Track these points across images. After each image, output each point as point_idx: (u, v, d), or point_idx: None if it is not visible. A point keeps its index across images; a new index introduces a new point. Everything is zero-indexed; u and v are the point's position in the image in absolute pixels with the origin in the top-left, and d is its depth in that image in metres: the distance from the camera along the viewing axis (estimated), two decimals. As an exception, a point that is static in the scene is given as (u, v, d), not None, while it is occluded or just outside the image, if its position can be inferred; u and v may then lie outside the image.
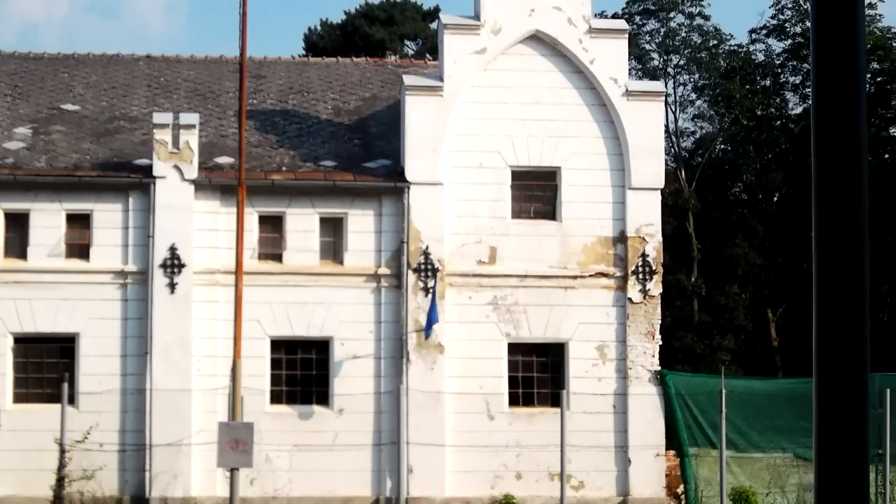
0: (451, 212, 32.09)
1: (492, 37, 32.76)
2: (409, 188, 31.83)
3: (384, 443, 31.31)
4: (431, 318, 31.33)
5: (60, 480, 29.00)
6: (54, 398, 29.65)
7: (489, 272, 32.13)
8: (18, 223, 31.26)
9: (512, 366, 32.10)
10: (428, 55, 52.11)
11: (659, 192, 33.00)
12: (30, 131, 32.84)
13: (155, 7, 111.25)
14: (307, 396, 31.64)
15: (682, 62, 60.48)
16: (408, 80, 32.81)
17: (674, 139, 59.58)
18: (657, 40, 60.43)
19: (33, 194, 31.13)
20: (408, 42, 62.30)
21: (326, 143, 33.67)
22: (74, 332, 30.87)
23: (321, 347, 31.65)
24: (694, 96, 61.04)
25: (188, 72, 36.12)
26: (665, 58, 60.51)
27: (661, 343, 32.70)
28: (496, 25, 32.77)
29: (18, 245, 31.16)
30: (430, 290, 31.54)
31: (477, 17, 32.97)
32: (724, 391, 29.59)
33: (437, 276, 31.65)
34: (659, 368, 32.39)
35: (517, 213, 32.55)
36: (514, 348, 32.18)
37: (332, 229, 31.95)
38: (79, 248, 31.18)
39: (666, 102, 48.42)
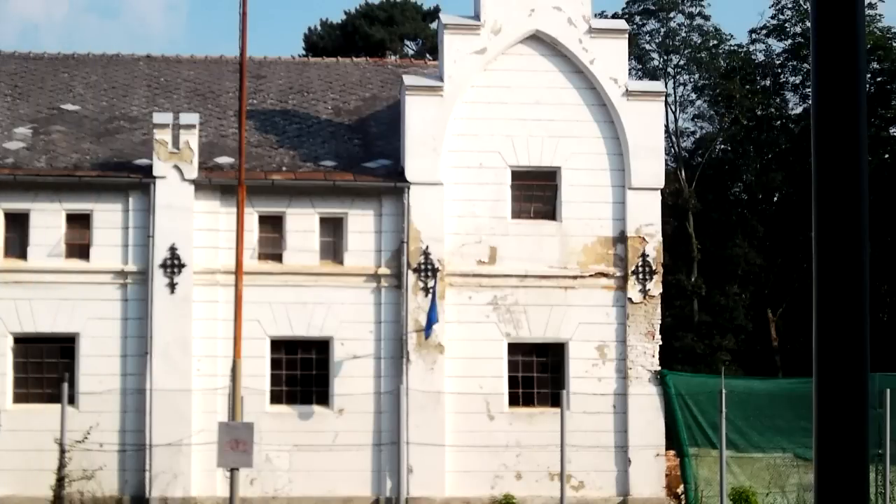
0: (451, 212, 32.07)
1: (492, 37, 32.74)
2: (409, 188, 31.81)
3: (384, 443, 31.29)
4: (431, 318, 31.29)
5: (60, 480, 28.98)
6: (54, 398, 29.63)
7: (489, 272, 32.10)
8: (18, 223, 31.25)
9: (512, 366, 32.07)
10: (428, 55, 52.06)
11: (659, 192, 33.00)
12: (30, 131, 32.82)
13: (155, 7, 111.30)
14: (307, 396, 31.62)
15: (682, 62, 60.48)
16: (408, 80, 32.79)
17: (674, 139, 59.58)
18: (657, 40, 60.44)
19: (33, 194, 31.12)
20: (408, 42, 62.26)
21: (326, 143, 33.65)
22: (74, 332, 30.85)
23: (321, 347, 31.62)
24: (694, 96, 61.06)
25: (188, 72, 36.10)
26: (665, 58, 60.51)
27: (661, 343, 32.69)
28: (496, 25, 32.75)
29: (18, 245, 31.15)
30: (430, 290, 31.51)
31: (477, 17, 32.95)
32: (724, 391, 29.59)
33: (437, 276, 31.62)
34: (659, 368, 32.37)
35: (517, 213, 32.53)
36: (514, 348, 32.14)
37: (332, 229, 31.93)
38: (79, 248, 31.17)
39: (666, 102, 48.41)
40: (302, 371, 31.65)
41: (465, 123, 32.42)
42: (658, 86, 36.49)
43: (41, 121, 33.34)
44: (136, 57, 36.78)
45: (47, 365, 30.94)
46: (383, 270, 31.74)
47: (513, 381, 32.04)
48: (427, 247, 31.76)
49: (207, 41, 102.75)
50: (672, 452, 32.55)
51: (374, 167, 32.54)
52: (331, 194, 31.84)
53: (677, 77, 60.79)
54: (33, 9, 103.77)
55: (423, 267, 31.68)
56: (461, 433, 31.36)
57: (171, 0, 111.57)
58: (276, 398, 31.49)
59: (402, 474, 31.07)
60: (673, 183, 53.99)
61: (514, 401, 31.97)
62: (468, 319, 31.89)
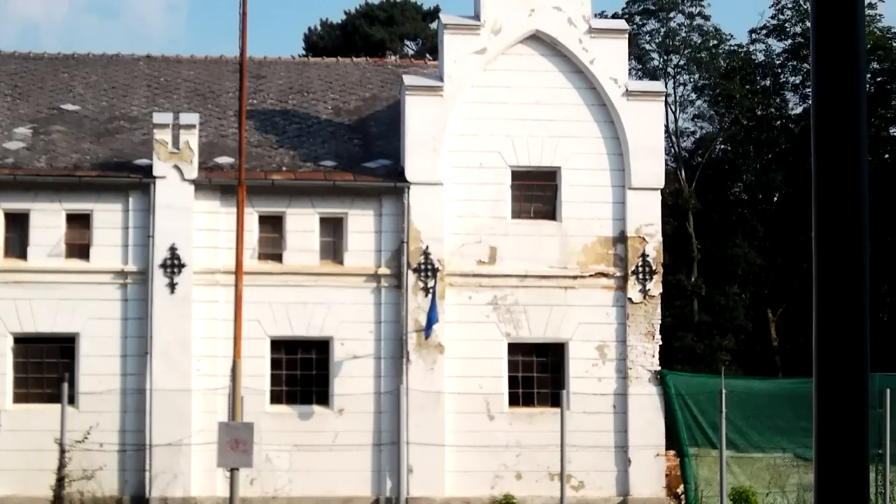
0: (451, 212, 32.04)
1: (492, 37, 32.69)
2: (409, 188, 31.77)
3: (384, 443, 31.28)
4: (431, 318, 31.25)
5: (60, 480, 28.97)
6: (54, 398, 29.63)
7: (489, 272, 32.06)
8: (18, 223, 31.25)
9: (512, 366, 32.04)
10: (428, 55, 52.04)
11: (659, 192, 32.98)
12: (30, 131, 32.83)
13: (155, 7, 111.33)
14: (307, 396, 31.60)
15: (682, 62, 60.48)
16: (408, 80, 32.74)
17: (674, 139, 59.57)
18: (657, 40, 60.44)
19: (33, 194, 31.11)
20: (408, 42, 62.24)
21: (326, 143, 33.65)
22: (74, 332, 30.84)
23: (321, 347, 31.61)
24: (694, 96, 61.06)
25: (188, 72, 36.09)
26: (665, 58, 60.51)
27: (661, 343, 32.66)
28: (496, 25, 32.70)
29: (18, 245, 31.14)
30: (430, 290, 31.48)
31: (477, 17, 32.90)
32: (724, 391, 29.59)
33: (437, 276, 31.59)
34: (659, 368, 32.33)
35: (517, 213, 32.50)
36: (514, 348, 32.11)
37: (332, 229, 31.91)
38: (79, 248, 31.16)
39: (666, 102, 48.38)
40: (302, 371, 31.64)
41: (465, 123, 32.38)
42: (658, 86, 36.48)
43: (41, 121, 33.34)
44: (136, 57, 36.77)
45: (47, 365, 30.93)
46: (383, 270, 31.70)
47: (513, 381, 32.00)
48: (427, 247, 31.72)
49: (207, 41, 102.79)
50: (672, 452, 32.53)
51: (374, 167, 32.52)
52: (331, 194, 31.81)
53: (677, 77, 60.83)
54: (33, 9, 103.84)
55: (423, 267, 31.63)
56: (461, 433, 31.33)
57: (171, 0, 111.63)
58: (276, 398, 31.47)
59: (402, 474, 31.06)
60: (673, 183, 54.00)
61: (514, 401, 31.94)
62: (468, 319, 31.85)
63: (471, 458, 31.31)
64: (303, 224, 31.68)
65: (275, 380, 31.51)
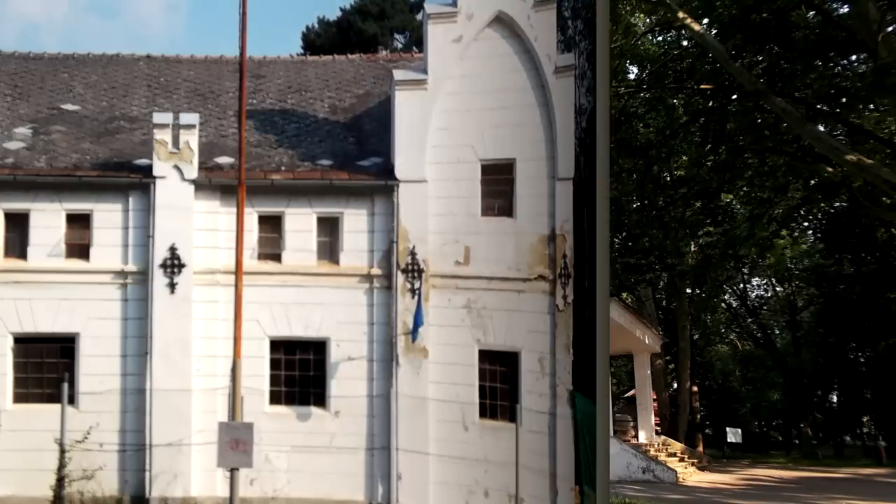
0: (433, 210, 31.35)
1: (466, 23, 31.63)
2: (398, 186, 31.46)
3: (376, 447, 31.71)
4: (417, 320, 31.06)
5: (60, 480, 29.19)
6: (54, 398, 29.70)
7: (464, 273, 31.14)
8: (18, 223, 30.81)
9: (482, 374, 30.84)
10: (415, 47, 51.54)
11: (570, 182, 30.11)
12: (30, 131, 32.30)
13: (155, 7, 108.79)
14: (305, 397, 31.84)
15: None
16: (397, 74, 31.83)
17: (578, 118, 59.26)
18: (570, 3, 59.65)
19: (33, 194, 30.68)
20: (397, 35, 61.47)
21: (323, 141, 33.65)
22: (74, 332, 30.69)
23: (318, 348, 31.83)
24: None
25: (188, 72, 35.60)
26: (575, 24, 59.70)
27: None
28: (469, 10, 31.66)
29: (18, 245, 30.80)
30: (416, 292, 31.36)
31: (454, 2, 31.64)
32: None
33: (422, 278, 31.36)
34: (572, 388, 29.76)
35: (485, 210, 31.12)
36: (483, 355, 30.84)
37: (329, 229, 31.88)
38: (79, 248, 30.97)
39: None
40: (300, 372, 31.89)
41: (446, 116, 31.46)
42: (570, 59, 31.51)
43: (41, 121, 32.78)
44: (136, 57, 36.00)
45: (47, 365, 30.82)
46: (375, 271, 31.72)
47: (482, 391, 30.61)
48: (413, 247, 31.40)
49: (207, 41, 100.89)
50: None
51: (368, 165, 32.48)
52: (327, 194, 31.76)
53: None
54: (33, 9, 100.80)
55: (410, 267, 31.46)
56: (443, 442, 30.77)
57: (171, 0, 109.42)
58: (275, 399, 31.69)
59: (392, 480, 31.39)
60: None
61: (482, 412, 30.65)
62: (447, 323, 31.24)
63: (450, 468, 30.90)
64: (301, 224, 31.60)
65: (273, 380, 31.60)
